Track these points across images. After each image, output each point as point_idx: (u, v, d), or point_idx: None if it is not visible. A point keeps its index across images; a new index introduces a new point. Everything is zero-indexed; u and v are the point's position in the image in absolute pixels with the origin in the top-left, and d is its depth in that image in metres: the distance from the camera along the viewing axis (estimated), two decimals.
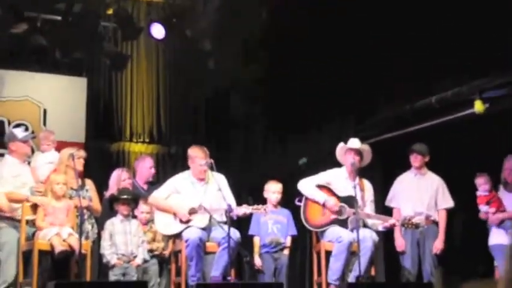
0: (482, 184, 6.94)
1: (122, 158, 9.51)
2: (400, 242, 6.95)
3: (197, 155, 6.51)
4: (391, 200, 7.15)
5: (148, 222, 7.06)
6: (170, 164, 9.55)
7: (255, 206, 6.36)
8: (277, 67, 8.57)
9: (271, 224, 7.11)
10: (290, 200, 6.97)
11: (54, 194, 6.37)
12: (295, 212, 6.86)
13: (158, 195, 6.60)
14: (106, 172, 7.71)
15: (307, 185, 6.66)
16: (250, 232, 7.12)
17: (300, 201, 6.69)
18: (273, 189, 7.20)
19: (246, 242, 6.92)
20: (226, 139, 8.83)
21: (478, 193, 6.99)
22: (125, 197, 6.86)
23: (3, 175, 6.43)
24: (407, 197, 7.04)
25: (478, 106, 7.05)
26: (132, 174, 7.66)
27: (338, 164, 6.79)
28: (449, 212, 7.02)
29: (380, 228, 6.60)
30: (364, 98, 8.37)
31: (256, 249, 7.08)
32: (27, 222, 6.34)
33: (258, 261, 7.02)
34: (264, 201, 7.04)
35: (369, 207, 6.66)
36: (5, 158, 6.86)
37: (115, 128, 9.63)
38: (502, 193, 6.88)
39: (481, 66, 6.94)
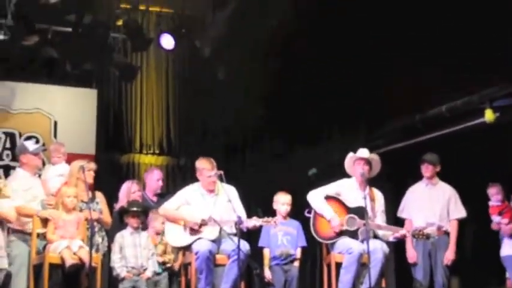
0: (494, 194, 6.90)
1: (132, 170, 9.52)
2: (412, 254, 6.91)
3: (204, 166, 6.50)
4: (402, 211, 7.12)
5: (159, 233, 7.05)
6: (180, 176, 9.54)
7: (265, 219, 6.33)
8: (287, 77, 8.56)
9: (281, 236, 7.09)
10: (299, 211, 6.95)
11: (64, 207, 6.39)
12: (305, 223, 6.83)
13: (168, 206, 6.60)
14: (116, 184, 7.71)
15: (316, 198, 6.62)
16: (260, 244, 7.11)
17: (309, 212, 6.66)
18: (282, 201, 7.18)
19: (256, 254, 6.90)
20: (236, 150, 8.82)
21: (491, 203, 6.96)
22: (135, 209, 6.85)
23: (15, 188, 6.44)
24: (419, 207, 7.00)
25: (489, 115, 7.02)
26: (142, 186, 7.66)
27: (348, 175, 6.76)
28: (461, 223, 6.98)
29: (391, 239, 6.56)
30: (374, 108, 8.35)
31: (266, 261, 7.06)
32: (38, 235, 6.35)
33: (268, 273, 7.00)
34: (273, 212, 7.02)
35: (380, 218, 6.62)
36: (16, 171, 6.90)
37: (125, 140, 9.64)
38: None
39: (491, 75, 6.90)
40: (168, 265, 6.99)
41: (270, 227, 6.88)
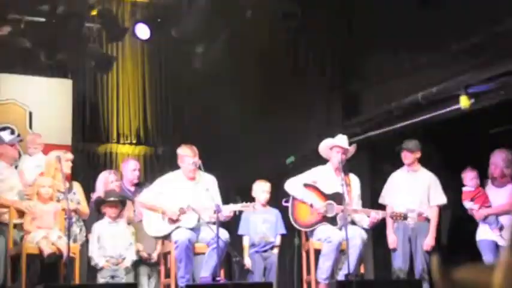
0: (470, 179, 6.96)
1: (109, 160, 9.47)
2: (392, 239, 6.96)
3: (186, 153, 6.49)
4: (384, 198, 7.15)
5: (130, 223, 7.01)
6: (158, 165, 9.53)
7: (243, 204, 6.36)
8: (263, 65, 8.56)
9: (261, 223, 7.11)
10: (279, 198, 6.97)
11: (40, 197, 6.34)
12: (284, 211, 6.86)
13: (147, 195, 6.59)
14: (93, 175, 7.67)
15: (294, 186, 6.65)
16: (240, 232, 7.12)
17: (287, 201, 6.68)
18: (261, 189, 7.20)
19: (235, 242, 6.91)
20: (213, 139, 8.79)
21: (464, 189, 7.02)
22: (112, 199, 6.83)
23: None
24: (399, 193, 7.03)
25: (464, 102, 7.06)
26: (119, 176, 7.64)
27: (323, 162, 6.78)
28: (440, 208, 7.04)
29: (365, 226, 6.59)
30: (350, 95, 8.38)
31: (245, 248, 7.07)
32: (15, 226, 6.30)
33: (247, 261, 7.01)
34: (252, 201, 7.03)
35: (356, 202, 6.66)
36: None
37: (101, 130, 9.58)
38: (489, 188, 6.90)
39: (466, 62, 6.95)
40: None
41: (249, 215, 6.90)
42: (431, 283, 6.62)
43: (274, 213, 7.18)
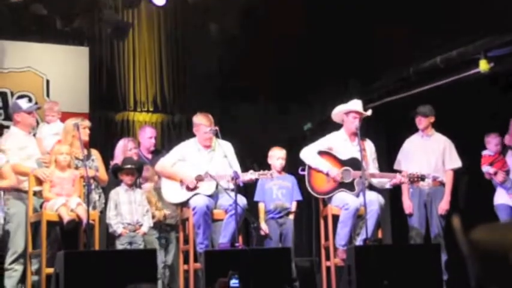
0: (493, 144, 6.93)
1: (126, 128, 9.48)
2: (407, 204, 6.96)
3: (201, 122, 6.49)
4: (398, 163, 7.13)
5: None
6: (175, 133, 9.54)
7: (261, 172, 6.37)
8: (279, 33, 8.50)
9: (276, 190, 7.11)
10: (295, 166, 6.96)
11: (58, 165, 6.35)
12: (300, 178, 6.85)
13: (165, 162, 6.61)
14: (111, 142, 7.69)
15: (309, 154, 6.62)
16: (256, 198, 7.13)
17: (303, 170, 6.67)
18: (277, 155, 7.19)
19: (252, 208, 6.93)
20: (231, 106, 8.78)
21: (483, 153, 6.98)
22: (129, 166, 6.85)
23: (9, 147, 6.42)
24: (414, 158, 7.02)
25: (483, 65, 6.99)
26: (137, 144, 7.67)
27: (337, 128, 6.75)
28: (456, 173, 7.01)
29: (387, 186, 6.58)
30: (367, 61, 8.31)
31: (261, 215, 7.10)
32: (35, 193, 6.35)
33: (264, 227, 7.04)
34: (268, 167, 7.04)
35: (372, 166, 6.63)
36: (10, 129, 6.85)
37: (119, 98, 9.57)
38: (509, 156, 6.87)
39: (485, 25, 6.86)
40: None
41: (265, 182, 6.91)
42: (447, 247, 6.63)
43: (290, 180, 7.18)
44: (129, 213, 6.67)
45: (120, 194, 6.73)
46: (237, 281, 5.08)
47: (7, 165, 6.19)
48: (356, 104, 6.64)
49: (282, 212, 7.10)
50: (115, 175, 6.91)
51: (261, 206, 7.13)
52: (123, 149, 7.33)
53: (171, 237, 7.26)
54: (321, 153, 6.62)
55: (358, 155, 6.34)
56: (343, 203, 6.34)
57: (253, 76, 8.75)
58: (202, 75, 9.50)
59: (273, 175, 6.45)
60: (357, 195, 6.35)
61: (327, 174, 6.50)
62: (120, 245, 6.56)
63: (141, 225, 6.69)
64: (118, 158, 7.21)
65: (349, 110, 6.62)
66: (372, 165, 6.61)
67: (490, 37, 6.92)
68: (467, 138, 7.18)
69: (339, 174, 6.46)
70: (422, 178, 6.43)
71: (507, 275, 1.45)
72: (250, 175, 6.29)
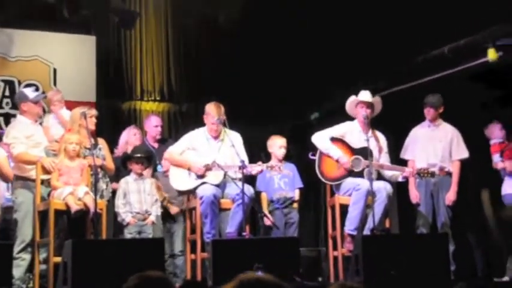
0: (496, 131, 6.90)
1: (133, 117, 9.48)
2: (414, 194, 6.94)
3: (210, 111, 6.48)
4: (405, 152, 7.12)
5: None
6: (182, 122, 9.52)
7: (269, 164, 6.39)
8: (289, 21, 8.48)
9: (278, 179, 7.12)
10: (303, 153, 6.96)
11: (67, 154, 6.35)
12: (305, 164, 6.84)
13: (173, 150, 6.61)
14: (118, 131, 7.70)
15: (321, 139, 6.61)
16: (257, 188, 7.06)
17: (313, 155, 6.66)
18: (279, 144, 7.20)
19: (258, 198, 6.93)
20: (238, 95, 8.75)
21: (492, 141, 6.95)
22: (139, 155, 6.86)
23: (16, 135, 6.42)
24: (421, 148, 7.00)
25: (492, 54, 6.95)
26: (144, 133, 7.68)
27: (350, 118, 6.75)
28: (464, 163, 6.99)
29: (400, 179, 6.57)
30: (375, 49, 8.27)
31: (264, 205, 7.10)
32: (42, 182, 6.35)
33: (270, 216, 7.03)
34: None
35: (384, 158, 6.63)
36: (17, 118, 6.83)
37: (125, 87, 9.56)
38: None
39: (494, 14, 6.82)
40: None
41: (266, 171, 6.88)
42: (454, 236, 6.63)
43: (291, 168, 7.19)
44: (138, 202, 6.69)
45: (129, 183, 6.75)
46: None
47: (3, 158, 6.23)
48: (363, 95, 6.63)
49: (285, 202, 7.09)
50: (124, 164, 6.92)
51: (264, 196, 7.13)
52: (127, 137, 7.38)
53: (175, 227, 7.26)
54: (333, 139, 6.61)
55: (370, 145, 6.32)
56: (355, 184, 6.32)
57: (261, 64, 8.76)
58: (210, 64, 9.48)
59: (281, 168, 6.47)
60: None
61: (337, 161, 6.48)
62: (128, 233, 6.58)
63: (149, 214, 6.71)
64: (122, 147, 7.24)
65: (357, 101, 6.62)
66: (383, 157, 6.60)
67: (498, 25, 6.88)
68: (474, 127, 7.15)
69: (349, 162, 6.45)
70: (432, 174, 6.41)
71: None
72: (259, 167, 6.29)
